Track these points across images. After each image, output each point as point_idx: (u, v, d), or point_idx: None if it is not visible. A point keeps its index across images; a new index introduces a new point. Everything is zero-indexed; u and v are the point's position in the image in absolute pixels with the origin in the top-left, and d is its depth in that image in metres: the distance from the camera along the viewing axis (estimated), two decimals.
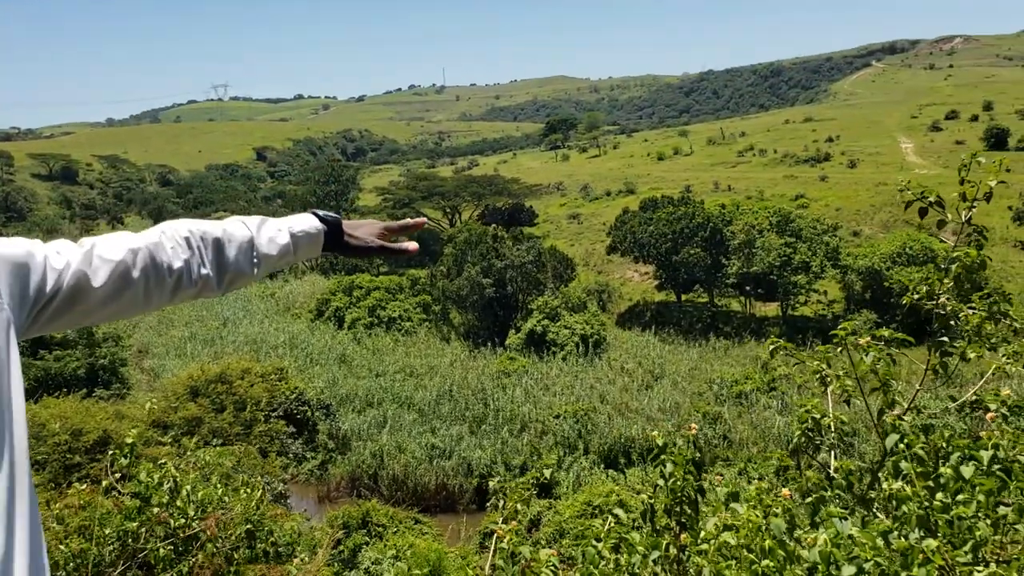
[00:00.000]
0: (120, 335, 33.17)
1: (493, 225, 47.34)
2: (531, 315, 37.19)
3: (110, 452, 4.94)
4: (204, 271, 1.44)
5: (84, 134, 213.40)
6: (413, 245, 1.78)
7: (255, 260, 1.53)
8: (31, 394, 22.04)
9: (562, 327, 36.05)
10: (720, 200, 53.91)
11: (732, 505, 2.82)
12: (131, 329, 40.20)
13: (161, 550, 4.59)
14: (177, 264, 1.40)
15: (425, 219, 1.89)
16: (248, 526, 5.14)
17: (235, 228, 1.53)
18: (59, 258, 1.23)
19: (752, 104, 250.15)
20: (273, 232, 1.57)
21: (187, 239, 1.43)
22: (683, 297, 45.14)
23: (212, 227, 1.49)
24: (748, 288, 41.76)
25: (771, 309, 42.76)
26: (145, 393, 29.46)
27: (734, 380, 30.45)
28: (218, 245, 1.47)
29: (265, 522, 5.35)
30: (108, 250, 1.30)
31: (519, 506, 3.46)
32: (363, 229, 1.74)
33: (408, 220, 1.82)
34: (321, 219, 1.66)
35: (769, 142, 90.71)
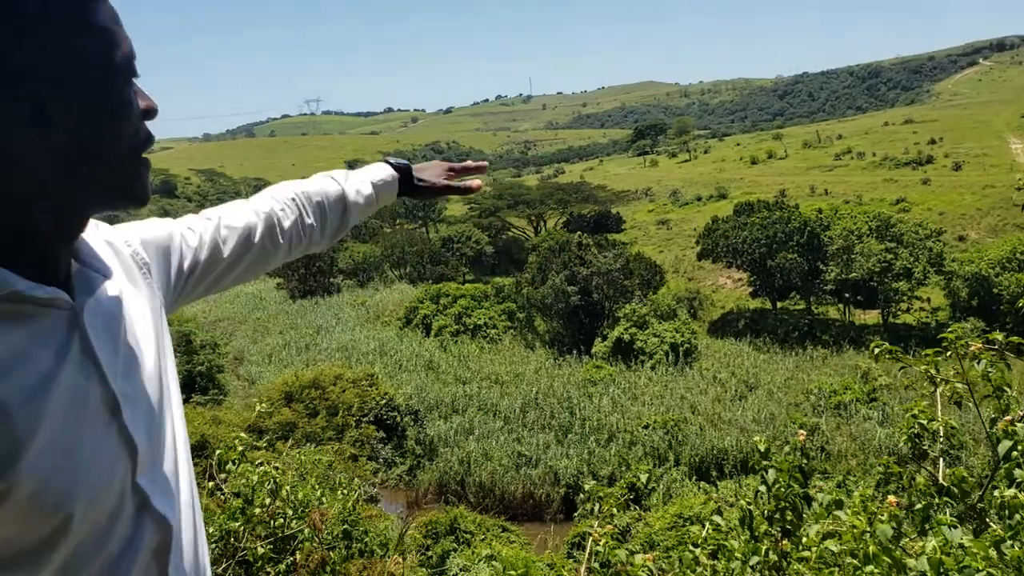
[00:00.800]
0: (217, 342, 34.38)
1: (578, 232, 47.20)
2: (618, 323, 36.83)
3: (217, 452, 5.13)
4: (309, 221, 1.61)
5: (182, 149, 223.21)
6: (477, 183, 1.88)
7: (348, 211, 1.70)
8: None
9: (651, 335, 35.56)
10: (816, 204, 52.46)
11: (835, 513, 2.72)
12: (227, 337, 41.60)
13: (260, 548, 4.72)
14: (287, 224, 1.56)
15: (487, 163, 1.98)
16: (344, 526, 5.24)
17: (328, 185, 1.69)
18: (192, 235, 1.37)
19: (849, 106, 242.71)
20: (359, 184, 1.73)
21: (293, 199, 1.60)
22: (778, 304, 44.04)
23: (310, 186, 1.66)
24: (847, 295, 40.45)
25: (871, 317, 41.28)
26: (241, 399, 30.45)
27: (832, 390, 29.42)
28: (318, 202, 1.64)
29: (361, 522, 5.45)
30: (233, 219, 1.46)
31: (614, 510, 3.41)
32: (429, 171, 1.85)
33: (470, 162, 1.93)
34: (394, 167, 1.80)
35: (867, 145, 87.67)
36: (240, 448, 5.02)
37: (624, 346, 35.67)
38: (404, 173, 1.80)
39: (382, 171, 1.78)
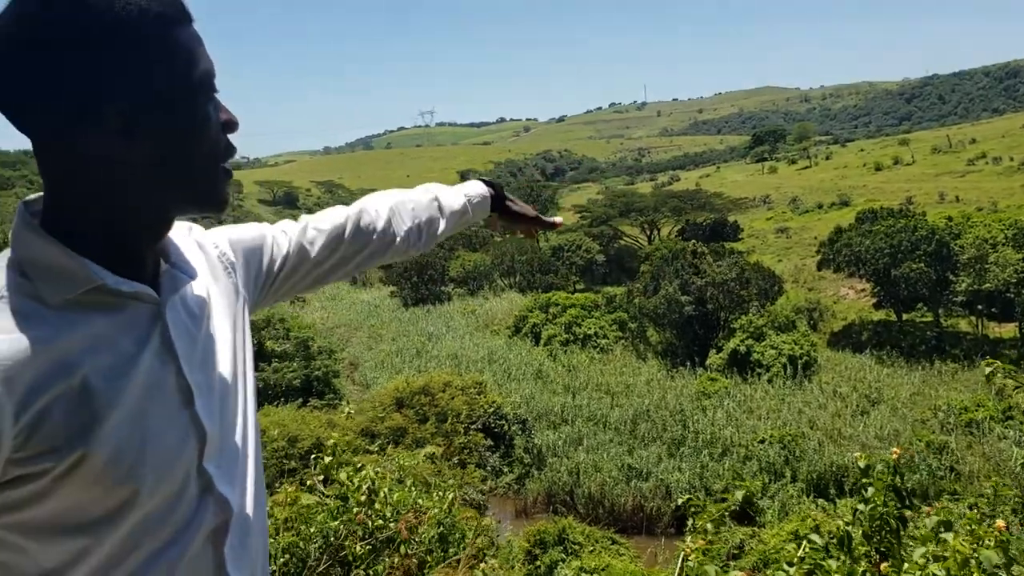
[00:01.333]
0: (333, 349, 35.47)
1: (693, 241, 46.22)
2: (734, 334, 35.82)
3: (314, 455, 5.26)
4: (394, 228, 1.67)
5: (304, 162, 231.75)
6: (560, 219, 2.00)
7: (436, 224, 1.77)
8: None
9: (768, 347, 34.42)
10: (946, 212, 49.64)
11: (942, 535, 2.50)
12: (344, 343, 42.90)
13: (359, 548, 4.80)
14: (380, 225, 1.64)
15: (561, 221, 2.05)
16: (440, 529, 5.26)
17: (422, 196, 1.77)
18: (283, 237, 1.48)
19: (984, 109, 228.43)
20: (452, 197, 1.82)
21: (386, 207, 1.68)
22: (904, 316, 41.83)
23: (403, 196, 1.75)
24: (980, 307, 38.01)
25: (1007, 330, 38.58)
26: (356, 404, 31.40)
27: (963, 407, 27.59)
28: (409, 210, 1.72)
29: (457, 525, 5.46)
30: (321, 222, 1.55)
31: (708, 526, 3.27)
32: (519, 204, 1.95)
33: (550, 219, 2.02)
34: (487, 183, 1.92)
35: (1004, 149, 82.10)
36: (341, 451, 5.13)
37: (740, 358, 34.69)
38: (498, 191, 1.92)
39: (476, 187, 1.89)
